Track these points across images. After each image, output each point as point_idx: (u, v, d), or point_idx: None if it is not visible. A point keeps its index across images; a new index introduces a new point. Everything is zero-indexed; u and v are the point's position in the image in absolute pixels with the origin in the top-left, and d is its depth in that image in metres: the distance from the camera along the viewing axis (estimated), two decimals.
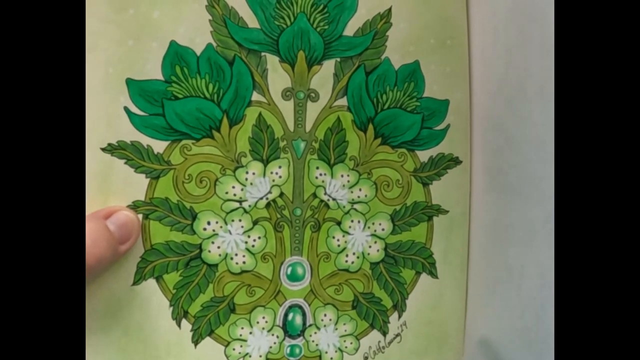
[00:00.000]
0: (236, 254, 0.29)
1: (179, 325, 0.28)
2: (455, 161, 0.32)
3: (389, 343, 0.32)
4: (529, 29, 0.29)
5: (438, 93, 0.32)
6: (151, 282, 0.28)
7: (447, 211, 0.32)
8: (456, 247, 0.33)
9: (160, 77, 0.27)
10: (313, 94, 0.30)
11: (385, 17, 0.30)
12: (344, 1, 0.30)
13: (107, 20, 0.26)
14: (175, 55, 0.28)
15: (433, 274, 0.32)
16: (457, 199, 0.32)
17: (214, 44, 0.28)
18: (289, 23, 0.29)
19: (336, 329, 0.31)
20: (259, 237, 0.29)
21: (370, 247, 0.31)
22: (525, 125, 0.30)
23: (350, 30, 0.30)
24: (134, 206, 0.27)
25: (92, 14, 0.26)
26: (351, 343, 0.31)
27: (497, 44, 0.31)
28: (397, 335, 0.32)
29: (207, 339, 0.29)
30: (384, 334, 0.32)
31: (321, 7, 0.29)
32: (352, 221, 0.31)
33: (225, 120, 0.29)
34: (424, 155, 0.32)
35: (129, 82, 0.27)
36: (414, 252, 0.32)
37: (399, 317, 0.32)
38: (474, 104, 0.33)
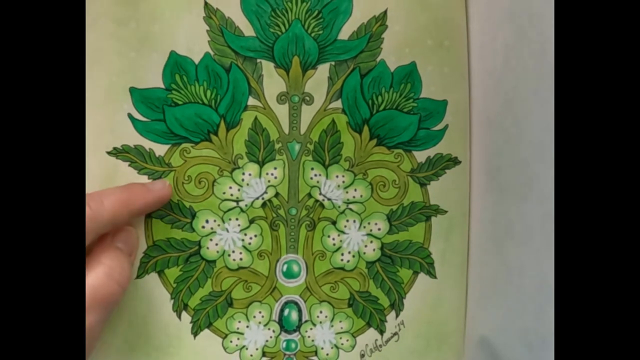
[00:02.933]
0: (233, 251, 0.31)
1: (179, 317, 0.30)
2: (454, 161, 0.32)
3: (386, 341, 0.32)
4: (527, 28, 0.28)
5: (436, 94, 0.32)
6: (153, 276, 0.30)
7: (446, 211, 0.32)
8: (456, 247, 0.32)
9: (161, 85, 0.29)
10: (308, 98, 0.31)
11: (380, 20, 0.31)
12: (339, 6, 0.31)
13: (111, 34, 0.29)
14: (175, 64, 0.29)
15: (431, 274, 0.32)
16: (456, 199, 0.32)
17: (212, 53, 0.30)
18: (283, 30, 0.30)
19: (332, 325, 0.32)
20: (255, 235, 0.31)
21: (366, 246, 0.32)
22: (525, 125, 0.29)
23: (345, 34, 0.31)
24: None
25: (97, 28, 0.29)
26: (347, 340, 0.32)
27: (495, 43, 0.30)
28: (395, 334, 0.32)
29: (206, 331, 0.31)
30: (381, 332, 0.32)
31: (316, 12, 0.30)
32: (347, 221, 0.31)
33: (222, 125, 0.30)
34: (421, 156, 0.32)
35: (132, 91, 0.29)
36: (411, 252, 0.32)
37: (397, 316, 0.32)
38: (473, 104, 0.32)
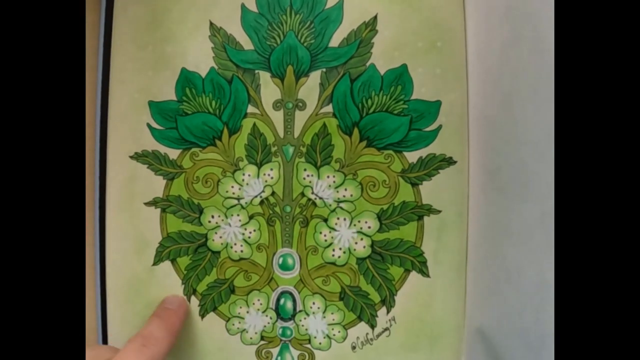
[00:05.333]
0: (235, 244, 0.34)
1: (188, 300, 0.34)
2: (449, 161, 0.32)
3: (378, 336, 0.33)
4: (526, 28, 0.28)
5: (428, 95, 0.32)
6: (167, 264, 0.35)
7: (439, 211, 0.32)
8: (450, 247, 0.32)
9: (174, 97, 0.34)
10: (301, 104, 0.33)
11: (370, 25, 0.32)
12: (330, 15, 0.32)
13: (133, 57, 0.34)
14: (185, 79, 0.34)
15: (424, 273, 0.33)
16: (450, 199, 0.32)
17: (216, 67, 0.34)
18: (279, 42, 0.33)
19: (324, 317, 0.34)
20: (254, 230, 0.34)
21: (356, 243, 0.33)
22: (524, 125, 0.29)
23: (335, 41, 0.33)
24: (154, 202, 0.34)
25: (121, 53, 0.34)
26: (339, 332, 0.34)
27: (493, 43, 0.30)
28: (386, 329, 0.33)
29: (212, 314, 0.34)
30: (372, 326, 0.33)
31: (308, 23, 0.33)
32: (338, 218, 0.33)
33: (225, 131, 0.34)
34: (412, 156, 0.32)
35: (150, 104, 0.34)
36: (402, 250, 0.33)
37: (388, 312, 0.33)
38: (471, 104, 0.32)
